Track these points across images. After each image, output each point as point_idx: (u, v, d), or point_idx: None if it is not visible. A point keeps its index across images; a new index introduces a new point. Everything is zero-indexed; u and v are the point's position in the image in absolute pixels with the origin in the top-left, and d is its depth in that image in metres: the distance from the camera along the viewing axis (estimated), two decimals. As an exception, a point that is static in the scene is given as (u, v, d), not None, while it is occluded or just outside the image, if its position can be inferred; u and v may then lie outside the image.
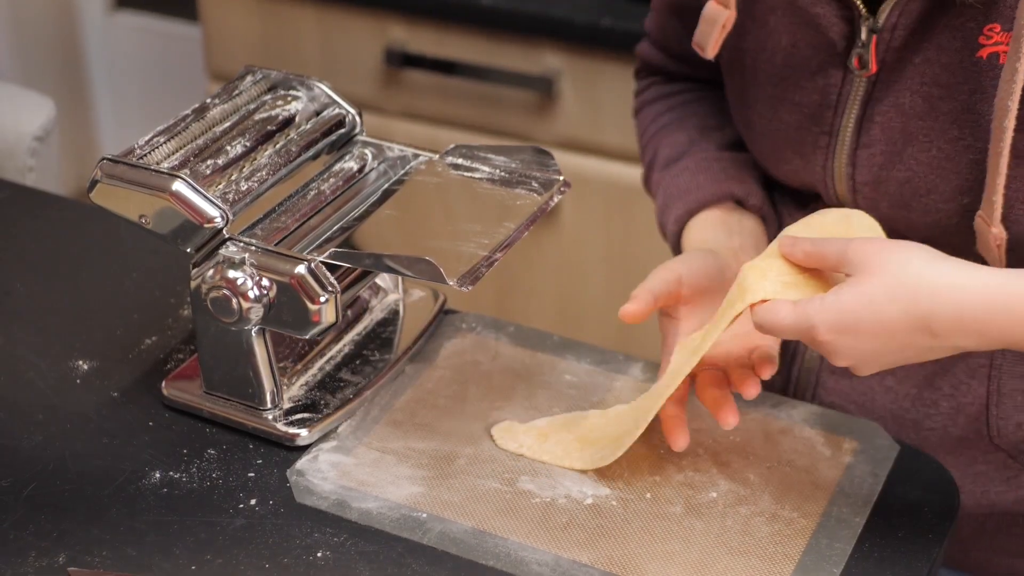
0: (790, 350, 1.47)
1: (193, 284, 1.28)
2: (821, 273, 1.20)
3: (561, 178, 1.35)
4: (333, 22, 2.62)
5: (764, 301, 1.18)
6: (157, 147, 1.32)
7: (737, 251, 1.41)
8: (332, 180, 1.38)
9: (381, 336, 1.43)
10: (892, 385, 1.41)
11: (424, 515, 1.24)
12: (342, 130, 1.42)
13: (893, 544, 1.22)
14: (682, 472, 1.29)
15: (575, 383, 1.39)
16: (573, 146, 2.49)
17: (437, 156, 1.40)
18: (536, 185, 1.35)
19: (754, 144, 1.43)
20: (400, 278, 1.47)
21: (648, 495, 1.26)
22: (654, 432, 1.32)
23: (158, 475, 1.28)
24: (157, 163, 1.30)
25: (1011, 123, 1.20)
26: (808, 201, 1.43)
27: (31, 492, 1.27)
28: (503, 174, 1.36)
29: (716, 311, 1.25)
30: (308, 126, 1.40)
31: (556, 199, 1.34)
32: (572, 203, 2.50)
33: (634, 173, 2.47)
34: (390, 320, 1.46)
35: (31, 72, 3.32)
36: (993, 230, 1.24)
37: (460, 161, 1.39)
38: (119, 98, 3.49)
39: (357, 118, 1.43)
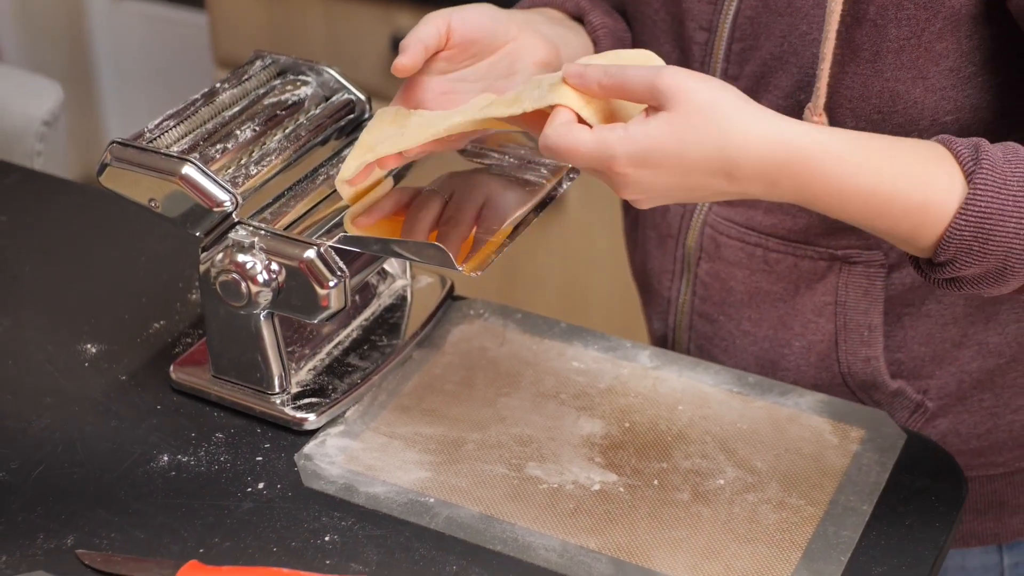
0: (665, 299, 1.49)
1: (202, 268, 1.28)
2: (609, 102, 1.16)
3: (569, 164, 1.35)
4: (340, 9, 2.62)
5: (558, 109, 1.13)
6: (167, 131, 1.32)
7: (535, 28, 1.34)
8: (341, 165, 1.38)
9: (389, 322, 1.44)
10: (749, 329, 1.43)
11: (431, 500, 1.24)
12: (351, 115, 1.42)
13: (900, 532, 1.22)
14: (689, 459, 1.29)
15: (583, 370, 1.39)
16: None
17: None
18: (544, 171, 1.35)
19: (637, 33, 1.42)
20: (408, 264, 1.47)
21: (655, 482, 1.26)
22: (662, 419, 1.32)
23: (166, 458, 1.29)
24: (167, 147, 1.30)
25: (838, 6, 1.20)
26: None
27: (39, 474, 1.27)
28: (512, 160, 1.36)
29: (478, 70, 1.23)
30: (317, 111, 1.40)
31: (565, 185, 1.34)
32: (578, 192, 2.50)
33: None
34: (398, 306, 1.46)
35: (38, 58, 3.32)
36: (815, 119, 1.25)
37: (469, 148, 1.38)
38: (125, 85, 3.50)
39: (366, 103, 1.43)
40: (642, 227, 1.52)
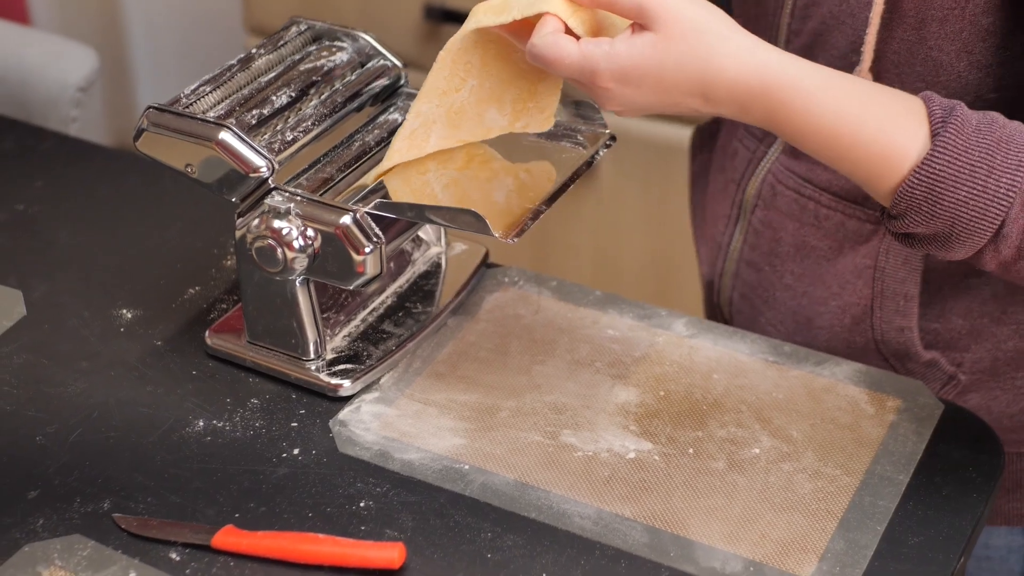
0: (718, 244, 1.53)
1: (238, 234, 1.28)
2: (595, 12, 1.19)
3: (607, 131, 1.35)
4: (373, -23, 2.61)
5: (546, 17, 1.16)
6: (203, 96, 1.32)
7: None
8: (376, 131, 1.38)
9: (423, 289, 1.43)
10: (790, 282, 1.44)
11: (466, 467, 1.24)
12: (387, 81, 1.41)
13: (937, 502, 1.22)
14: (725, 428, 1.29)
15: (617, 337, 1.39)
16: (612, 104, 2.48)
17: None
18: (581, 138, 1.34)
19: None
20: (443, 231, 1.47)
21: (691, 450, 1.26)
22: (697, 388, 1.32)
23: (202, 423, 1.29)
24: (203, 112, 1.30)
25: None
26: None
27: (76, 439, 1.27)
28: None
29: None
30: (353, 77, 1.40)
31: (602, 152, 1.34)
32: (611, 161, 2.49)
33: (674, 131, 2.47)
34: (432, 273, 1.46)
35: (72, 24, 3.32)
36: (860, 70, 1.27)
37: (506, 114, 1.38)
38: (158, 52, 3.49)
39: (402, 70, 1.42)
40: (712, 171, 1.55)
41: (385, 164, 1.29)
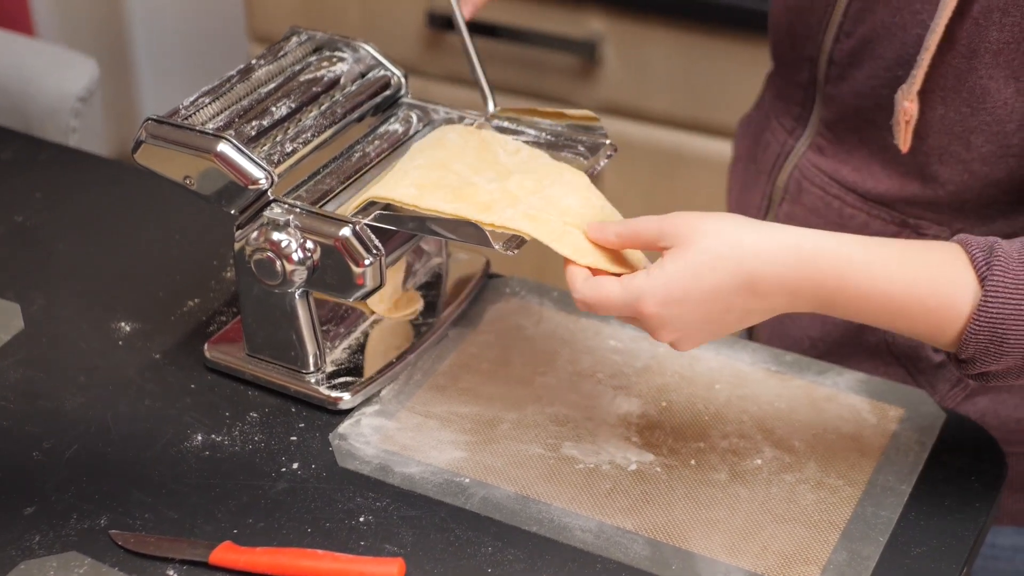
0: None
1: (237, 246, 1.28)
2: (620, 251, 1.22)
3: (608, 142, 1.34)
4: (375, -16, 2.61)
5: (571, 268, 1.19)
6: (202, 108, 1.31)
7: None
8: (377, 142, 1.37)
9: (425, 300, 1.43)
10: None
11: (467, 480, 1.23)
12: (387, 92, 1.41)
13: (940, 512, 1.21)
14: (727, 439, 1.28)
15: (619, 348, 1.38)
16: (616, 111, 2.48)
17: (483, 119, 1.39)
18: (582, 149, 1.34)
19: None
20: (444, 242, 1.46)
21: (692, 462, 1.26)
22: (699, 399, 1.31)
23: (200, 438, 1.28)
24: (202, 124, 1.30)
25: (952, 3, 1.21)
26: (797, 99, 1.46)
27: (73, 454, 1.27)
28: (549, 137, 1.35)
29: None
30: (353, 88, 1.39)
31: (603, 163, 1.33)
32: (615, 169, 2.48)
33: (677, 139, 2.46)
34: (433, 284, 1.45)
35: (73, 34, 3.32)
36: (905, 103, 1.26)
37: (506, 124, 1.38)
38: (161, 61, 3.49)
39: (403, 80, 1.42)
40: (744, 159, 1.57)
41: (383, 194, 1.28)
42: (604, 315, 1.19)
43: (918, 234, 1.37)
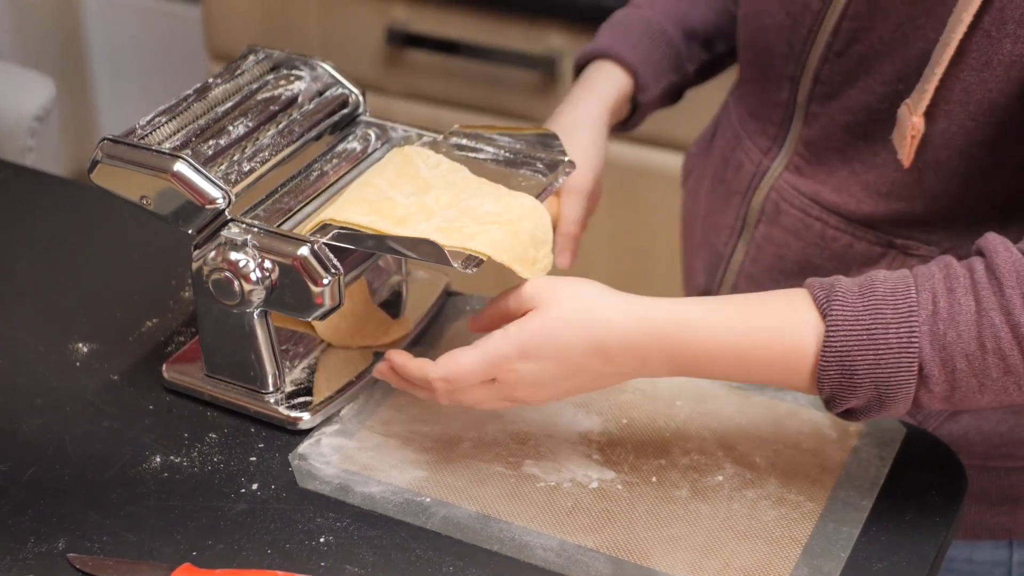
0: (719, 254, 1.53)
1: (194, 266, 1.27)
2: None
3: (566, 159, 1.34)
4: (334, 2, 2.60)
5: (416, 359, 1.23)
6: (159, 127, 1.31)
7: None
8: (335, 161, 1.37)
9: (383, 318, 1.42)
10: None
11: (428, 499, 1.23)
12: (345, 110, 1.40)
13: (901, 527, 1.21)
14: (688, 455, 1.28)
15: (580, 366, 1.38)
16: (576, 126, 2.47)
17: (441, 137, 1.39)
18: (541, 166, 1.34)
19: None
20: (404, 260, 1.46)
21: (654, 479, 1.25)
22: (660, 415, 1.31)
23: (159, 459, 1.27)
24: (159, 143, 1.29)
25: (968, 18, 1.21)
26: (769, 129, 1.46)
27: (30, 476, 1.26)
28: (507, 155, 1.35)
29: None
30: (311, 106, 1.39)
31: (561, 180, 1.33)
32: (575, 184, 2.48)
33: (638, 154, 2.47)
34: (393, 302, 1.44)
35: (30, 52, 3.30)
36: (913, 118, 1.26)
37: (464, 142, 1.37)
38: (119, 79, 3.48)
39: (360, 98, 1.41)
40: (711, 179, 1.56)
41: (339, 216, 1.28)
42: (464, 391, 1.21)
43: (906, 255, 1.36)
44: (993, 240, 1.17)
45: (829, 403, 1.18)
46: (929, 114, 1.27)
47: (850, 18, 1.32)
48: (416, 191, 1.28)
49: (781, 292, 1.20)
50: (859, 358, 1.14)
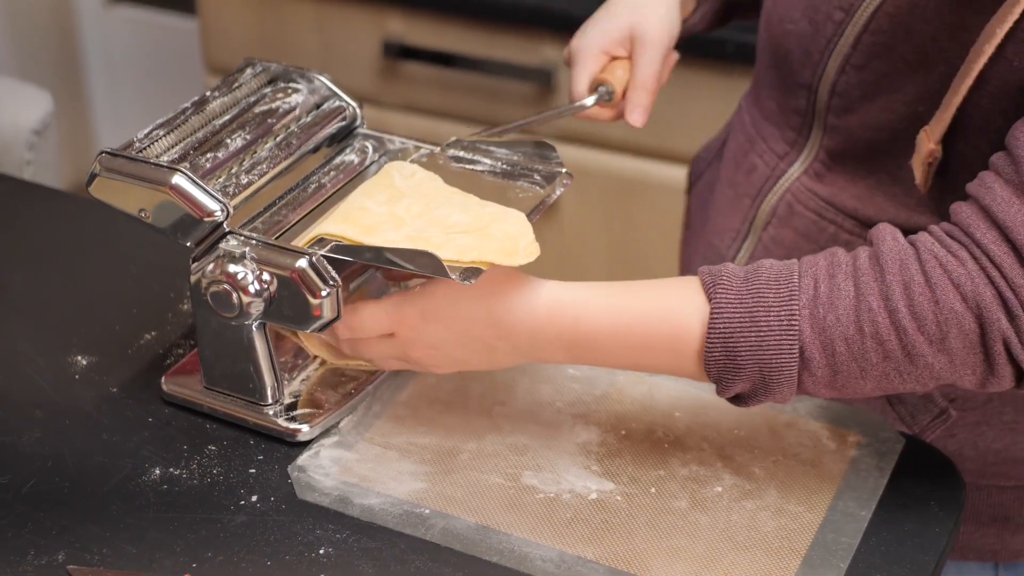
0: (723, 257, 1.53)
1: (193, 279, 1.27)
2: None
3: (564, 170, 1.34)
4: (331, 14, 2.61)
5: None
6: (156, 140, 1.31)
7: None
8: (333, 173, 1.37)
9: (382, 330, 1.42)
10: None
11: (427, 511, 1.23)
12: (343, 123, 1.40)
13: (900, 538, 1.21)
14: (687, 467, 1.28)
15: (578, 376, 1.38)
16: (572, 138, 2.48)
17: (439, 149, 1.39)
18: (538, 178, 1.34)
19: None
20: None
21: (653, 490, 1.25)
22: (659, 426, 1.31)
23: (158, 471, 1.27)
24: (156, 156, 1.29)
25: (991, 49, 1.21)
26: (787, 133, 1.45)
27: (30, 489, 1.26)
28: (505, 167, 1.35)
29: None
30: (308, 119, 1.39)
31: (559, 192, 1.33)
32: (572, 196, 2.48)
33: (634, 165, 2.47)
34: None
35: (27, 66, 3.31)
36: (931, 146, 1.26)
37: (462, 154, 1.37)
38: (116, 92, 3.48)
39: (358, 111, 1.42)
40: (720, 182, 1.56)
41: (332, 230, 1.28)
42: (364, 342, 1.26)
43: None
44: (883, 229, 1.19)
45: (718, 386, 1.20)
46: (947, 138, 1.26)
47: (872, 32, 1.31)
48: (388, 200, 1.30)
49: (675, 279, 1.23)
50: (742, 340, 1.17)
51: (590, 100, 1.47)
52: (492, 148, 1.37)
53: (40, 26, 3.32)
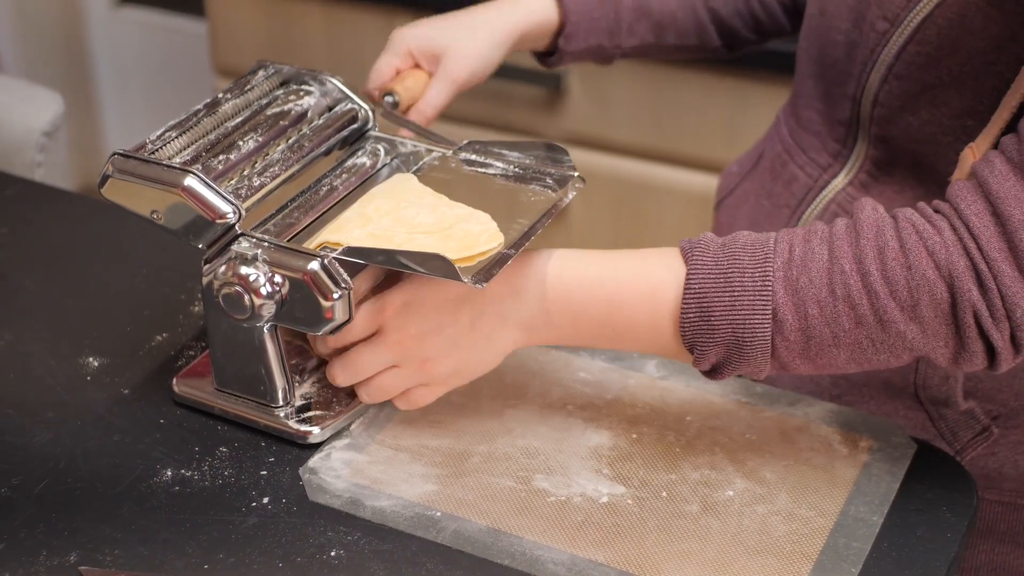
0: None
1: (205, 280, 1.27)
2: None
3: (576, 174, 1.34)
4: (340, 17, 2.61)
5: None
6: (169, 142, 1.31)
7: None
8: (345, 176, 1.37)
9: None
10: None
11: (438, 513, 1.23)
12: (355, 125, 1.41)
13: (912, 543, 1.21)
14: (698, 471, 1.28)
15: (589, 380, 1.38)
16: (581, 142, 2.48)
17: (450, 152, 1.39)
18: (550, 181, 1.34)
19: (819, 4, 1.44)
20: (413, 274, 1.46)
21: (664, 494, 1.25)
22: (670, 430, 1.31)
23: (169, 473, 1.27)
24: (169, 158, 1.29)
25: None
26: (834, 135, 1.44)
27: (41, 490, 1.26)
28: (517, 170, 1.35)
29: None
30: (321, 121, 1.39)
31: (571, 195, 1.33)
32: (580, 199, 2.49)
33: (642, 169, 2.47)
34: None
35: (36, 68, 3.31)
36: (974, 159, 1.25)
37: (473, 157, 1.38)
38: (125, 94, 3.49)
39: (370, 113, 1.42)
40: (756, 194, 1.56)
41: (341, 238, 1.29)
42: (355, 354, 1.28)
43: None
44: (864, 201, 1.20)
45: (694, 355, 1.21)
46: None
47: (917, 43, 1.30)
48: (360, 199, 1.32)
49: (656, 249, 1.25)
50: (716, 300, 1.19)
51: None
52: (504, 151, 1.37)
53: (49, 28, 3.33)
